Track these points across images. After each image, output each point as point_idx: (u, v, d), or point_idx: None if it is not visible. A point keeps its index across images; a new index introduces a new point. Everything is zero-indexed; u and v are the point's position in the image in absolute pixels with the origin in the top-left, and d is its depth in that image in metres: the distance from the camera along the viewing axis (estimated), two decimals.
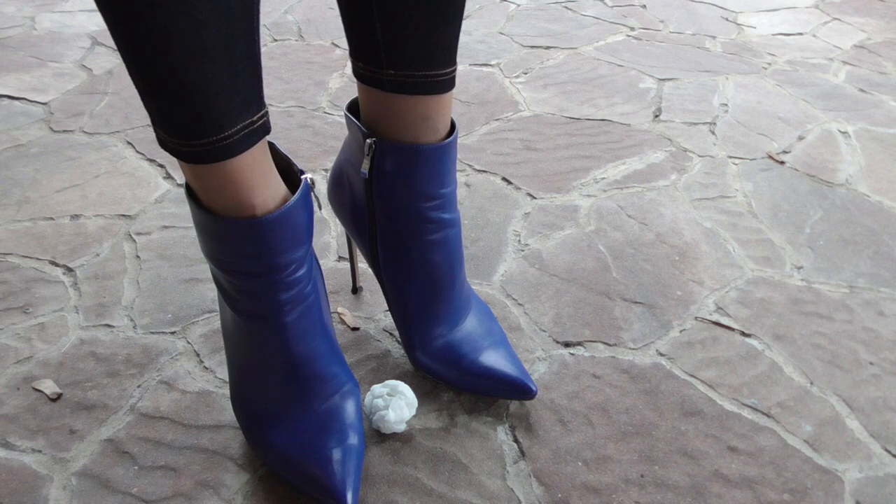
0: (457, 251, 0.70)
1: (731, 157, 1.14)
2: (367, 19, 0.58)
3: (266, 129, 0.53)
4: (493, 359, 0.70)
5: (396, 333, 0.79)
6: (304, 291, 0.59)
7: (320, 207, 0.61)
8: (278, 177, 0.57)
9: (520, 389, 0.68)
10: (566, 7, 1.75)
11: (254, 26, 0.49)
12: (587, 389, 0.73)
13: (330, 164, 1.09)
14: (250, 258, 0.55)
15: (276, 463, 0.62)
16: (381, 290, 0.85)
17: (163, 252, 0.90)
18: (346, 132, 1.18)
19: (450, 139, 0.63)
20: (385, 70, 0.59)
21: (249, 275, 0.56)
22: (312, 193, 0.59)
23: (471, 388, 0.70)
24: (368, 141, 0.63)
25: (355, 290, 0.84)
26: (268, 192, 0.55)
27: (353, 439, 0.62)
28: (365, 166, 0.64)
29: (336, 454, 0.61)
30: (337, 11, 1.68)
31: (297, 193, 0.56)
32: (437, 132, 0.63)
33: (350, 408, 0.65)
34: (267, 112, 0.53)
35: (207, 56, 0.46)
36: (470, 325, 0.72)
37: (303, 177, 0.58)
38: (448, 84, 0.61)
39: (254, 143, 0.52)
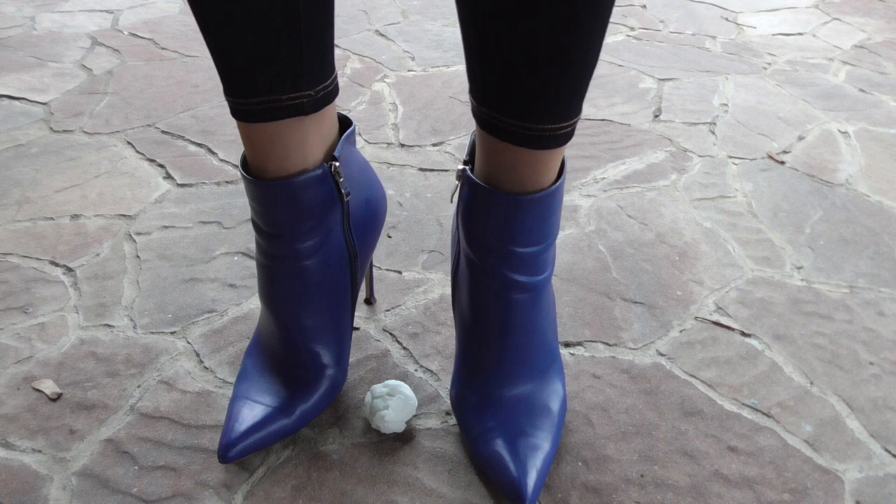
0: (516, 316, 0.61)
1: (731, 157, 1.14)
2: (466, 37, 0.52)
3: (293, 110, 0.55)
4: (509, 447, 0.62)
5: (396, 333, 0.79)
6: (302, 261, 0.61)
7: (340, 195, 0.60)
8: (315, 150, 0.58)
9: (514, 491, 0.60)
10: None
11: (297, 15, 0.51)
12: (587, 389, 0.73)
13: None
14: (258, 217, 0.59)
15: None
16: (384, 289, 0.85)
17: (163, 252, 0.90)
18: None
19: (530, 196, 0.55)
20: (479, 105, 0.54)
21: (260, 232, 0.61)
22: (332, 177, 0.59)
23: (473, 459, 0.66)
24: (460, 167, 0.58)
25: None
26: (288, 163, 0.57)
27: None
28: (454, 191, 0.62)
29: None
30: (337, 12, 1.68)
31: (311, 171, 0.58)
32: (521, 185, 0.56)
33: (325, 393, 0.67)
34: (302, 96, 0.55)
35: (247, 28, 0.51)
36: (515, 397, 0.65)
37: (327, 164, 0.59)
38: (544, 141, 0.52)
39: (279, 117, 0.55)
